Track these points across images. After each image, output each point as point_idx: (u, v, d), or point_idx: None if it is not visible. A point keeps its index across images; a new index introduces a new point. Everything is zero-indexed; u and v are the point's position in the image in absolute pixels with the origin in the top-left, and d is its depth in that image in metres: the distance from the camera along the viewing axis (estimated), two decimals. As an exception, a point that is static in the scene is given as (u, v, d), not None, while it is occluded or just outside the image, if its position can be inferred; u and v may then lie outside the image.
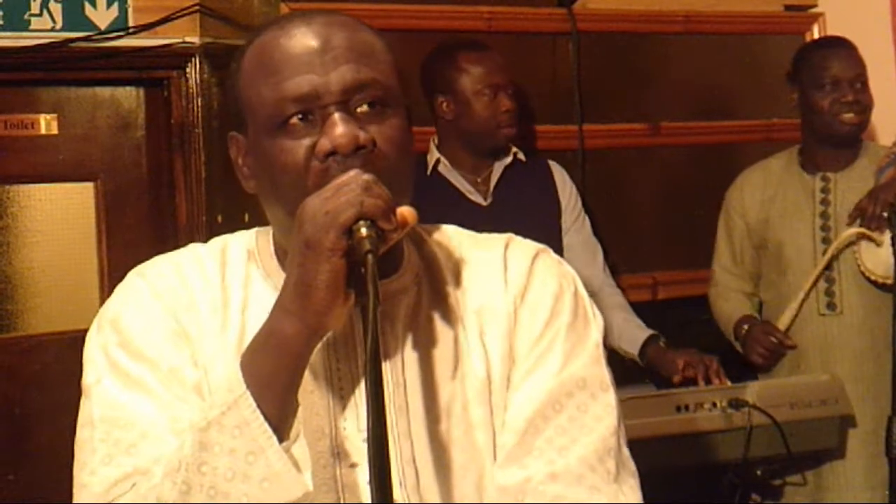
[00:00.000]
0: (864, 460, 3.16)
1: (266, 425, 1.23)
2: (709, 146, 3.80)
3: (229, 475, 1.22)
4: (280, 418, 1.25)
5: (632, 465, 1.41)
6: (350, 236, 1.21)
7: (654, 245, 3.58)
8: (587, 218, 3.37)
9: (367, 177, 1.25)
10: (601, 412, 1.39)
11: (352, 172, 1.26)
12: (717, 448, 2.91)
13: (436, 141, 3.29)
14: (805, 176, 3.37)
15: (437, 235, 1.51)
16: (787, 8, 3.98)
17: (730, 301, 3.46)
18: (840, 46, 3.35)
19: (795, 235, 3.33)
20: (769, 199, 3.39)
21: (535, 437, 1.37)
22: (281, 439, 1.24)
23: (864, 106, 3.28)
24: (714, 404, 2.91)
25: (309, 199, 1.25)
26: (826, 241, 3.28)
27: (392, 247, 1.33)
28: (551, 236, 3.27)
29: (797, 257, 3.32)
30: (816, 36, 3.89)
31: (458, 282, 1.45)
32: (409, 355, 1.40)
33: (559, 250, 3.27)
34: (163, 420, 1.31)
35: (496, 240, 1.50)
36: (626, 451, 1.41)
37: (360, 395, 1.35)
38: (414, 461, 1.36)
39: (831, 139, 3.31)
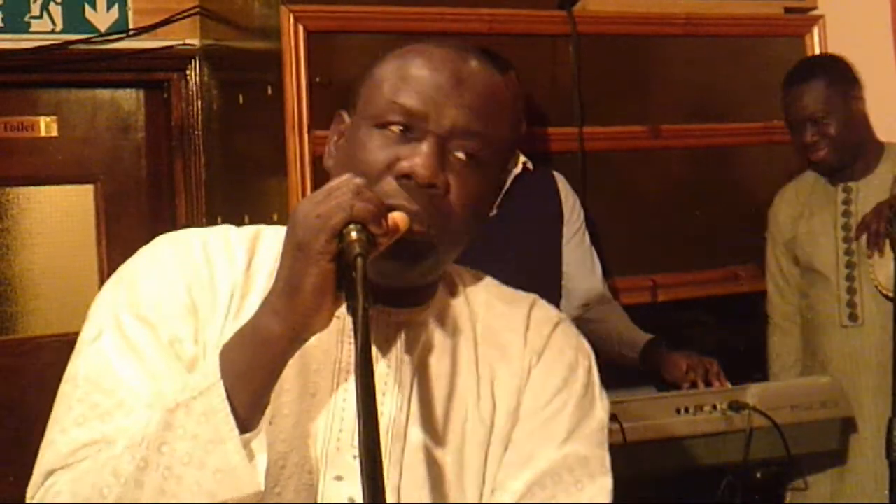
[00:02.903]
0: (884, 472, 3.11)
1: (231, 417, 1.22)
2: (709, 148, 3.79)
3: (186, 459, 1.22)
4: (248, 414, 1.24)
5: None
6: (341, 240, 1.21)
7: (655, 247, 3.57)
8: (587, 230, 3.37)
9: (358, 180, 1.25)
10: (596, 493, 1.40)
11: (345, 176, 1.26)
12: (718, 450, 2.90)
13: None
14: (829, 187, 3.37)
15: (469, 280, 1.52)
16: (788, 10, 3.97)
17: (787, 338, 3.46)
18: (799, 83, 3.34)
19: (821, 248, 3.32)
20: (798, 214, 3.40)
21: None
22: (244, 431, 1.23)
23: (828, 140, 3.26)
24: (714, 406, 2.91)
25: (300, 203, 1.25)
26: (849, 252, 3.25)
27: (430, 280, 1.37)
28: (552, 247, 3.27)
29: (823, 269, 3.31)
30: (816, 39, 3.88)
31: (479, 329, 1.46)
32: (418, 387, 1.40)
33: (559, 262, 3.27)
34: (145, 392, 1.30)
35: (522, 298, 1.51)
36: None
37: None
38: (399, 489, 1.36)
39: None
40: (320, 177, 1.54)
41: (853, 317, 3.25)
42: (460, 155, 1.34)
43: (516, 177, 3.23)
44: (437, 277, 1.43)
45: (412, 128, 1.33)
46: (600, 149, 3.62)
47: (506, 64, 3.17)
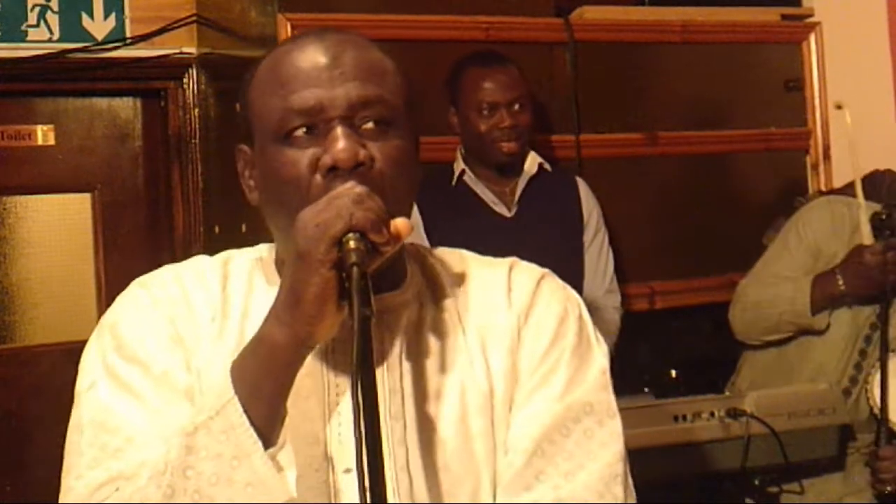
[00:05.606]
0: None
1: (252, 430, 1.24)
2: (706, 156, 3.79)
3: (213, 479, 1.23)
4: (267, 424, 1.26)
5: (634, 495, 1.42)
6: (341, 248, 1.22)
7: (652, 255, 3.58)
8: (606, 236, 3.33)
9: (360, 189, 1.26)
10: (607, 439, 1.40)
11: (347, 184, 1.27)
12: (715, 458, 2.90)
13: (462, 151, 3.25)
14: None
15: (440, 255, 1.52)
16: (784, 17, 3.98)
17: (780, 282, 3.07)
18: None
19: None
20: (839, 238, 3.06)
21: (542, 461, 1.37)
22: (268, 445, 1.25)
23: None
24: (712, 414, 2.91)
25: (303, 212, 1.26)
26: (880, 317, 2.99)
27: (394, 263, 1.36)
28: (574, 251, 3.25)
29: (852, 320, 3.06)
30: (813, 46, 3.89)
31: (460, 299, 1.46)
32: (408, 365, 1.40)
33: (581, 264, 3.25)
34: (150, 426, 1.32)
35: (500, 262, 1.51)
36: (630, 480, 1.41)
37: None
38: (408, 467, 1.37)
39: None
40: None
41: (854, 380, 3.09)
42: (370, 125, 1.34)
43: (533, 177, 3.23)
44: (400, 253, 1.42)
45: (315, 124, 1.33)
46: (597, 156, 3.62)
47: (503, 58, 3.18)
